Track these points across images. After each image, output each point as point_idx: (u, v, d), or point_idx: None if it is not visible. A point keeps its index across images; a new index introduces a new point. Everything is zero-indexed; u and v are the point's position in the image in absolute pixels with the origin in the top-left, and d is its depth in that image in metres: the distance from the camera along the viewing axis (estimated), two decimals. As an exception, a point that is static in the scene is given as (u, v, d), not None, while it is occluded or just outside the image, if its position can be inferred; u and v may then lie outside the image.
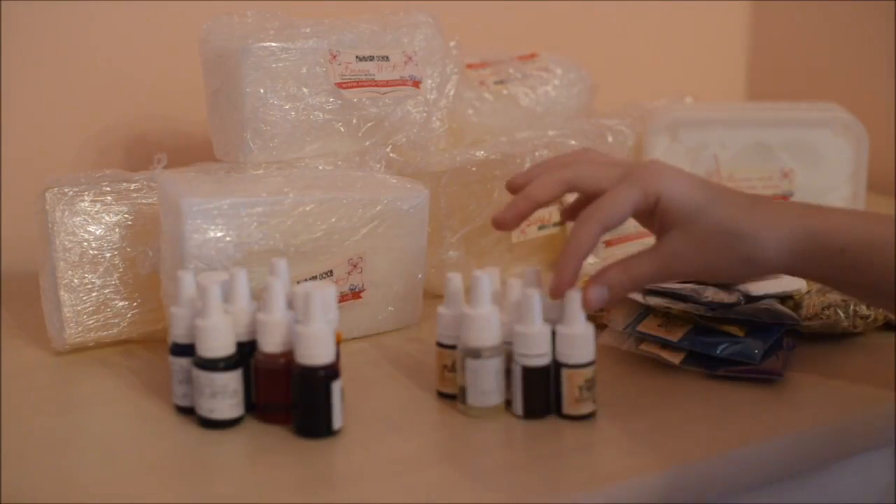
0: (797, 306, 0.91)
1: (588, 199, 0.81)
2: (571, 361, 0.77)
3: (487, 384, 0.78)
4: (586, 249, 0.78)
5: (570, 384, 0.78)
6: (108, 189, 0.93)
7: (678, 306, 0.87)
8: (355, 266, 0.92)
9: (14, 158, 1.17)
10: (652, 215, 0.80)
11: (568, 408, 0.78)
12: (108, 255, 0.93)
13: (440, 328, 0.82)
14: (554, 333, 0.78)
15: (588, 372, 0.78)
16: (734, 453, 0.75)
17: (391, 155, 1.03)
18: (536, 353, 0.77)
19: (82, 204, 0.92)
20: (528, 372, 0.77)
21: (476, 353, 0.77)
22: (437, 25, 1.06)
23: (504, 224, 0.81)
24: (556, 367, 0.78)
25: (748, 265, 0.78)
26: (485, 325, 0.77)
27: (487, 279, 0.78)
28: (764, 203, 0.79)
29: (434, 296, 1.00)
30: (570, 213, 0.86)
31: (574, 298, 0.77)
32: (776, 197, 1.19)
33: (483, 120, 1.14)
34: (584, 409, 0.78)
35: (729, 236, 0.77)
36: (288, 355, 0.77)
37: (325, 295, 0.77)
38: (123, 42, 1.21)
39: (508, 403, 0.79)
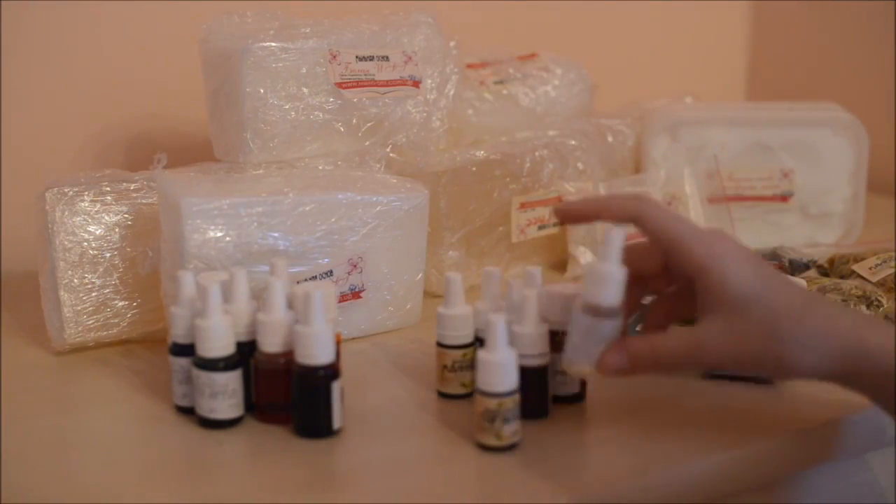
0: (797, 306, 0.91)
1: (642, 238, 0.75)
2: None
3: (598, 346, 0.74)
4: (603, 215, 0.74)
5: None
6: (108, 189, 0.93)
7: (678, 306, 0.86)
8: (355, 266, 0.92)
9: (14, 158, 1.17)
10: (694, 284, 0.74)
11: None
12: (108, 255, 0.93)
13: (440, 328, 0.82)
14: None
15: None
16: (734, 453, 0.75)
17: (391, 155, 1.03)
18: (534, 353, 0.77)
19: (82, 204, 0.92)
20: (527, 372, 0.77)
21: (596, 311, 0.73)
22: (437, 25, 1.06)
23: (566, 214, 0.77)
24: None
25: (782, 369, 0.72)
26: (612, 282, 0.72)
27: (621, 235, 0.73)
28: (816, 308, 0.72)
29: (434, 296, 1.00)
30: (565, 214, 0.78)
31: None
32: (776, 197, 1.19)
33: (483, 120, 1.14)
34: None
35: (773, 339, 0.71)
36: (288, 355, 0.77)
37: (325, 295, 0.77)
38: (123, 42, 1.21)
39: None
